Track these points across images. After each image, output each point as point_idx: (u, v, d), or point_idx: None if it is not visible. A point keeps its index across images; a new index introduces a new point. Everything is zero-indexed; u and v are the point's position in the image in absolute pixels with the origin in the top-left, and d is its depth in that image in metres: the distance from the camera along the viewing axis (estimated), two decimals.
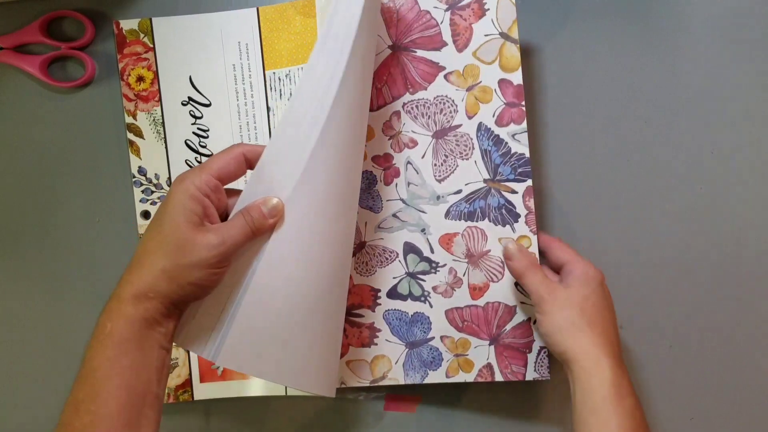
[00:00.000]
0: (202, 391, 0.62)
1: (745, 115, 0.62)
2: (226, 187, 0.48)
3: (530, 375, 0.57)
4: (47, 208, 0.68)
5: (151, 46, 0.63)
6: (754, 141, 0.61)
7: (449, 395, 0.64)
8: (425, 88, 0.57)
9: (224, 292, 0.47)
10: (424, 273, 0.58)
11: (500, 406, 0.64)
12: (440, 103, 0.57)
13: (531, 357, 0.57)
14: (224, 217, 0.48)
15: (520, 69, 0.56)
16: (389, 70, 0.58)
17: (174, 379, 0.63)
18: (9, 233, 0.68)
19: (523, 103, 0.56)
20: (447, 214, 0.58)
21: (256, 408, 0.66)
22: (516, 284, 0.57)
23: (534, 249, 0.56)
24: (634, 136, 0.62)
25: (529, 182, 0.56)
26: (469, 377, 0.58)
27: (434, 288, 0.58)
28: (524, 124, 0.56)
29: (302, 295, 0.49)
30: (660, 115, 0.62)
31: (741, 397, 0.62)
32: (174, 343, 0.47)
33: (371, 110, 0.58)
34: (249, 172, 0.49)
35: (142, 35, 0.64)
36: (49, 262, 0.68)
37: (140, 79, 0.64)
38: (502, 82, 0.56)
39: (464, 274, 0.58)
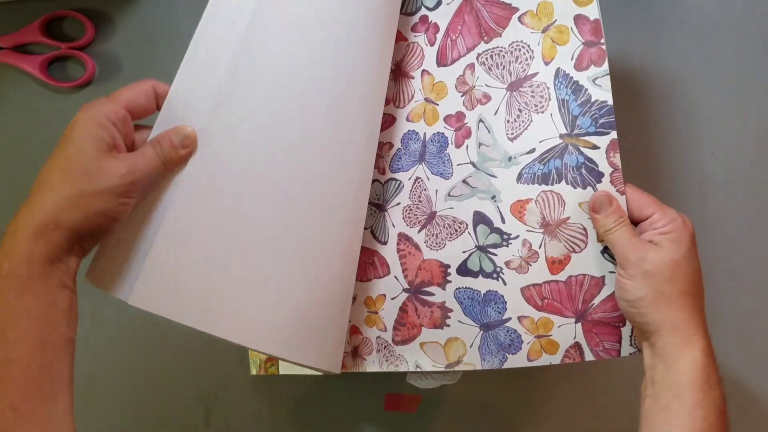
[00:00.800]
0: (287, 366, 0.62)
1: (745, 115, 0.62)
2: (134, 123, 0.45)
3: (625, 350, 0.50)
4: None
5: None
6: (754, 141, 0.61)
7: (449, 395, 0.64)
8: (500, 35, 0.53)
9: (138, 227, 0.44)
10: (495, 246, 0.53)
11: (501, 404, 0.64)
12: (515, 50, 0.52)
13: (625, 330, 0.50)
14: (131, 151, 0.45)
15: (595, 1, 0.50)
16: (463, 18, 0.53)
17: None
18: None
19: (603, 41, 0.50)
20: (519, 178, 0.52)
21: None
22: (603, 252, 0.51)
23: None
24: (633, 137, 0.62)
25: (614, 134, 0.50)
26: (555, 359, 0.51)
27: (507, 263, 0.52)
28: (605, 66, 0.50)
29: (236, 236, 0.46)
30: (660, 115, 0.62)
31: (741, 397, 0.62)
32: (88, 281, 0.44)
33: (444, 65, 0.54)
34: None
35: None
36: None
37: None
38: (578, 19, 0.51)
39: (540, 247, 0.52)
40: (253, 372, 0.64)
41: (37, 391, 0.38)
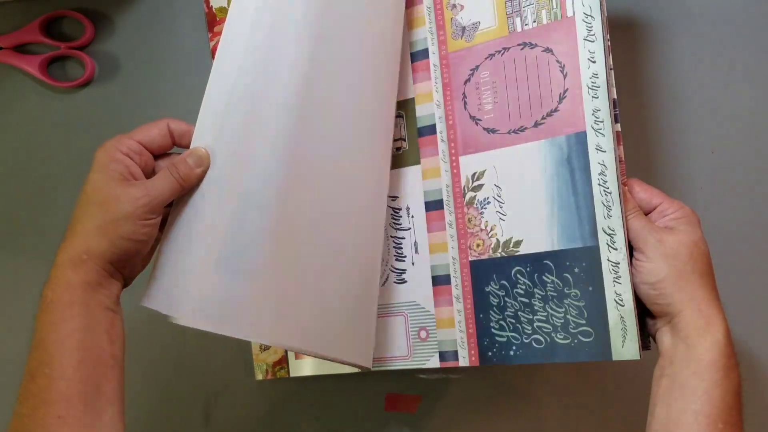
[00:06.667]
0: (298, 367, 0.63)
1: (745, 115, 0.62)
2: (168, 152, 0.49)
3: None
4: (47, 208, 0.68)
5: None
6: (755, 141, 0.61)
7: (449, 394, 0.64)
8: None
9: (171, 247, 0.47)
10: None
11: (502, 404, 0.64)
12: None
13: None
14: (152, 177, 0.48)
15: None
16: None
17: (271, 356, 0.63)
18: (9, 233, 0.68)
19: (607, 36, 0.49)
20: None
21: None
22: None
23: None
24: (629, 136, 0.62)
25: (617, 127, 0.49)
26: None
27: None
28: (609, 61, 0.49)
29: (259, 236, 0.48)
30: (660, 114, 0.62)
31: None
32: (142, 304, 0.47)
33: None
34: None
35: None
36: (48, 262, 0.67)
37: None
38: None
39: None
40: (259, 377, 0.63)
41: (81, 403, 0.41)
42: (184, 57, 0.68)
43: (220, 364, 0.66)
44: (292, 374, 0.62)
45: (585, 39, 0.49)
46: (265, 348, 0.63)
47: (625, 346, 0.47)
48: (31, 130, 0.69)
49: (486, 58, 0.53)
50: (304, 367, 0.62)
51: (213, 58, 0.62)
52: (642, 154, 0.62)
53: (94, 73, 0.69)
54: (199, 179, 0.47)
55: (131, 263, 0.46)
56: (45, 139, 0.69)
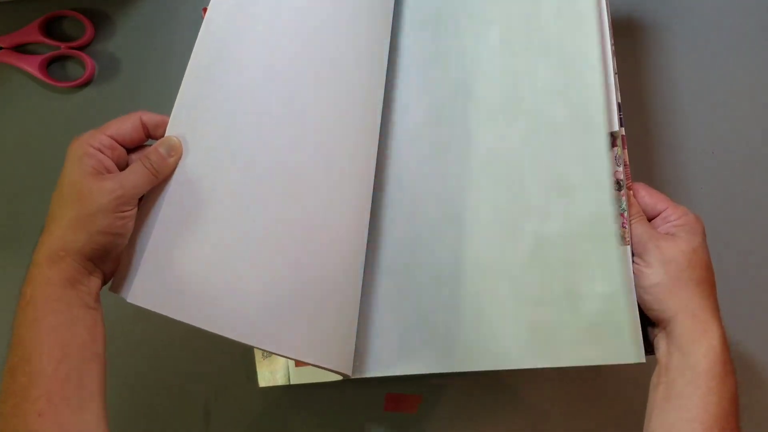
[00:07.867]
0: (298, 375, 0.62)
1: (745, 116, 0.62)
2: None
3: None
4: (47, 209, 0.68)
5: None
6: (755, 141, 0.61)
7: (449, 395, 0.64)
8: None
9: (137, 234, 0.47)
10: None
11: (501, 404, 0.64)
12: None
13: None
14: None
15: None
16: None
17: (273, 363, 0.63)
18: (9, 233, 0.68)
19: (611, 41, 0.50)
20: None
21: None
22: None
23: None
24: (630, 138, 0.62)
25: (621, 131, 0.49)
26: None
27: None
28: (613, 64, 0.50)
29: (231, 231, 0.47)
30: (660, 115, 0.62)
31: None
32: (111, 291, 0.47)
33: None
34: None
35: None
36: None
37: None
38: None
39: None
40: (262, 384, 0.63)
41: (62, 401, 0.41)
42: (184, 57, 0.68)
43: (222, 369, 0.66)
44: (292, 382, 0.62)
45: None
46: (267, 355, 0.63)
47: (628, 349, 0.47)
48: (31, 131, 0.69)
49: None
50: (303, 375, 0.62)
51: None
52: (642, 155, 0.62)
53: (94, 73, 0.69)
54: (173, 168, 0.47)
55: (109, 258, 0.45)
56: (45, 140, 0.68)
